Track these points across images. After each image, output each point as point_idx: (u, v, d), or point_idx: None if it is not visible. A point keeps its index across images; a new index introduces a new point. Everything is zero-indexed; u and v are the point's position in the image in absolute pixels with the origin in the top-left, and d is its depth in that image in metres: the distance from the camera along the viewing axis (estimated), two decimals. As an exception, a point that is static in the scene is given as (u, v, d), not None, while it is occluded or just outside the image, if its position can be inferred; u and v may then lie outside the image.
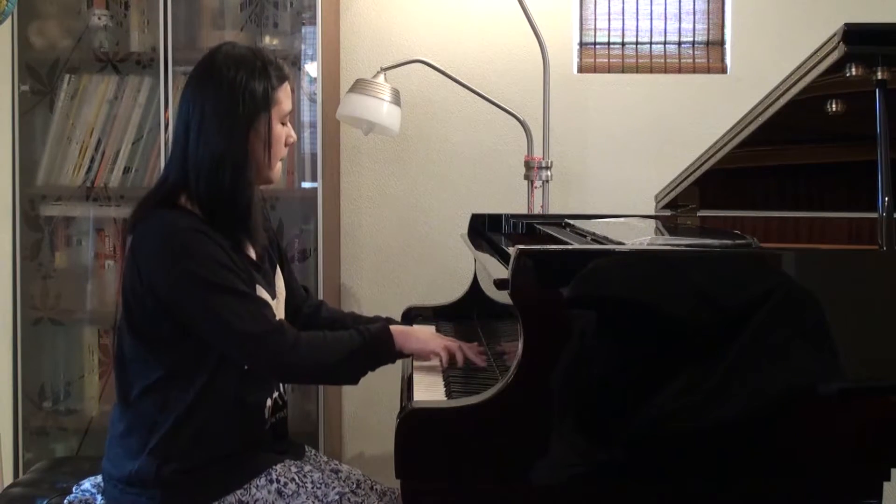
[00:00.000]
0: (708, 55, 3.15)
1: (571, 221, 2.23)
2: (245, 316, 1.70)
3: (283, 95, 1.81)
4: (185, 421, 1.73)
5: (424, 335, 1.92)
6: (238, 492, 1.74)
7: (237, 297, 1.70)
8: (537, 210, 2.83)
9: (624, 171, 3.11)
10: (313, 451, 1.99)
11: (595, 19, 3.18)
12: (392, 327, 1.85)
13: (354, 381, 1.84)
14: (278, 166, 1.84)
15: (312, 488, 1.78)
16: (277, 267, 1.96)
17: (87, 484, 1.90)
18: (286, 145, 1.84)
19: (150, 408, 1.74)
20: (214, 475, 1.74)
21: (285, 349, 1.72)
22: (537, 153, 2.87)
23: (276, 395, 1.88)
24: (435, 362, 1.92)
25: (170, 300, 1.71)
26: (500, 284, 1.57)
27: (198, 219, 1.74)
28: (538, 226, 2.29)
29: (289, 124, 1.84)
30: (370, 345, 1.79)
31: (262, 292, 1.81)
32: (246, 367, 1.76)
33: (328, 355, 1.77)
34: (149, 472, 1.72)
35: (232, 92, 1.74)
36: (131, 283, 1.75)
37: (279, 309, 1.90)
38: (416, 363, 1.94)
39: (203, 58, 1.81)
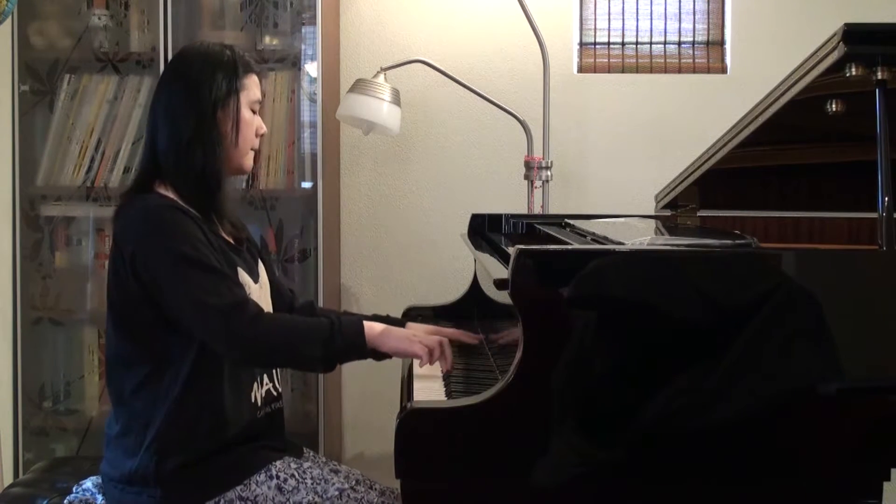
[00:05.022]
0: (708, 55, 3.15)
1: (571, 221, 2.23)
2: (210, 289, 1.70)
3: (251, 83, 1.87)
4: (177, 414, 1.74)
5: (404, 334, 1.82)
6: (238, 488, 1.75)
7: (206, 270, 1.72)
8: (537, 210, 2.83)
9: (624, 171, 3.11)
10: (312, 453, 1.99)
11: (595, 19, 3.18)
12: (369, 324, 1.78)
13: (321, 370, 1.83)
14: (250, 155, 1.89)
15: (312, 484, 1.78)
16: (259, 261, 1.97)
17: (87, 483, 1.90)
18: (257, 135, 1.89)
19: (142, 405, 1.76)
20: (214, 472, 1.75)
21: (245, 323, 1.69)
22: (537, 153, 2.87)
23: (268, 385, 1.88)
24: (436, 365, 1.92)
25: (145, 271, 1.73)
26: (500, 284, 1.57)
27: (174, 201, 1.79)
28: (538, 226, 2.29)
29: (259, 116, 1.89)
30: (338, 334, 1.72)
31: (243, 275, 1.83)
32: (208, 344, 1.74)
33: (291, 337, 1.73)
34: (148, 470, 1.73)
35: (198, 78, 1.81)
36: (114, 269, 1.77)
37: (263, 298, 1.91)
38: (416, 363, 1.94)
39: (172, 57, 1.90)
